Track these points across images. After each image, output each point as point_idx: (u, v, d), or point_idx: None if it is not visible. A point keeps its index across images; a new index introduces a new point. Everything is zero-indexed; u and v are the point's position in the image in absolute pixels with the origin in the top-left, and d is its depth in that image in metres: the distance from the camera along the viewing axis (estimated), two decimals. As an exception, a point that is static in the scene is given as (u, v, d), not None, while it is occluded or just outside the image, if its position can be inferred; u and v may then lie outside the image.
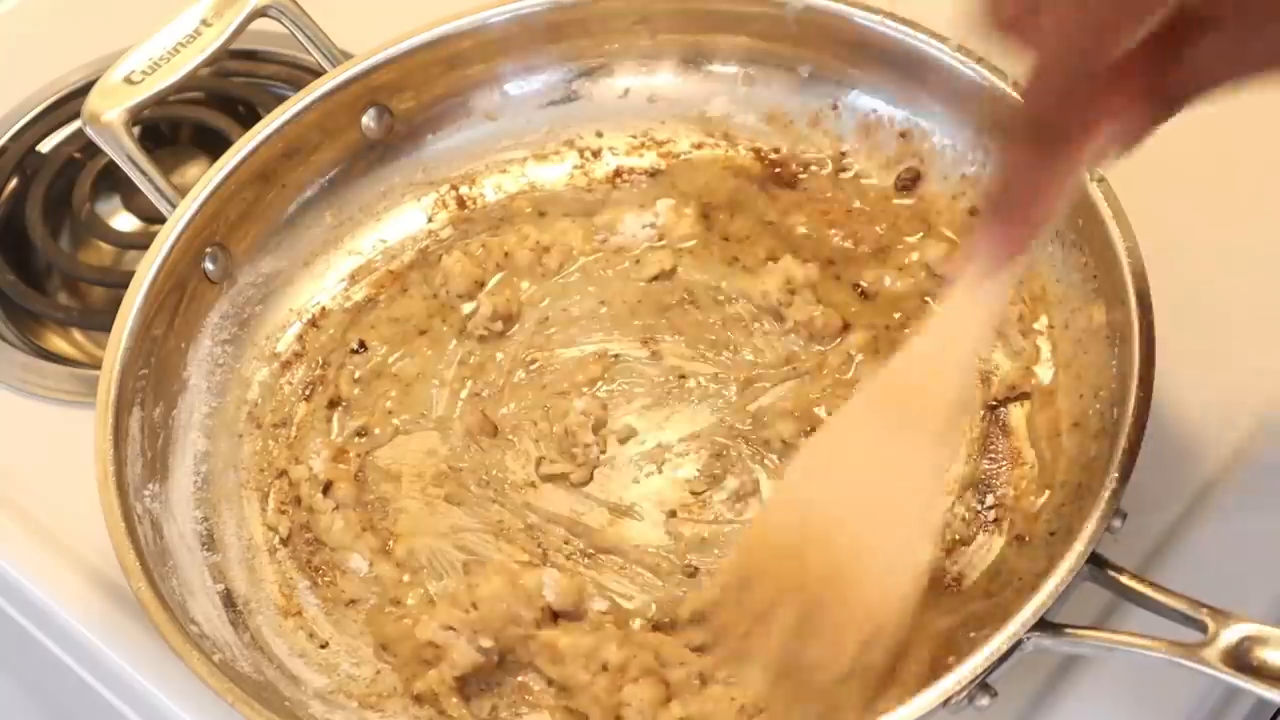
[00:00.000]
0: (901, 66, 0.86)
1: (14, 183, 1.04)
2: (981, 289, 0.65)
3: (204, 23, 0.86)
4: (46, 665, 0.84)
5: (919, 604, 0.68)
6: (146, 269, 0.80)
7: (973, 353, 0.68)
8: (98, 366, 0.78)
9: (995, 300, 0.66)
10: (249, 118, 1.01)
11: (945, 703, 0.63)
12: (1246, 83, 0.57)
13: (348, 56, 0.89)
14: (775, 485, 0.79)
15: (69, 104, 1.04)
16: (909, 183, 0.88)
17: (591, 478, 0.81)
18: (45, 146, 1.05)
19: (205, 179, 0.84)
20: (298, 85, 0.88)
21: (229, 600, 0.77)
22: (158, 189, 0.85)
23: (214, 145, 0.98)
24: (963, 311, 0.66)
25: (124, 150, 0.84)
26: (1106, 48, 0.55)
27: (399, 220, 0.92)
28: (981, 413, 0.80)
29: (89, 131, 0.84)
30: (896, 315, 0.84)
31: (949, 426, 0.68)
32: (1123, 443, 0.68)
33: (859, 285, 0.85)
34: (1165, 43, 0.56)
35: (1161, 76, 0.58)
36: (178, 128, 1.05)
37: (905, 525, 0.68)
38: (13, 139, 1.05)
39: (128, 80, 0.84)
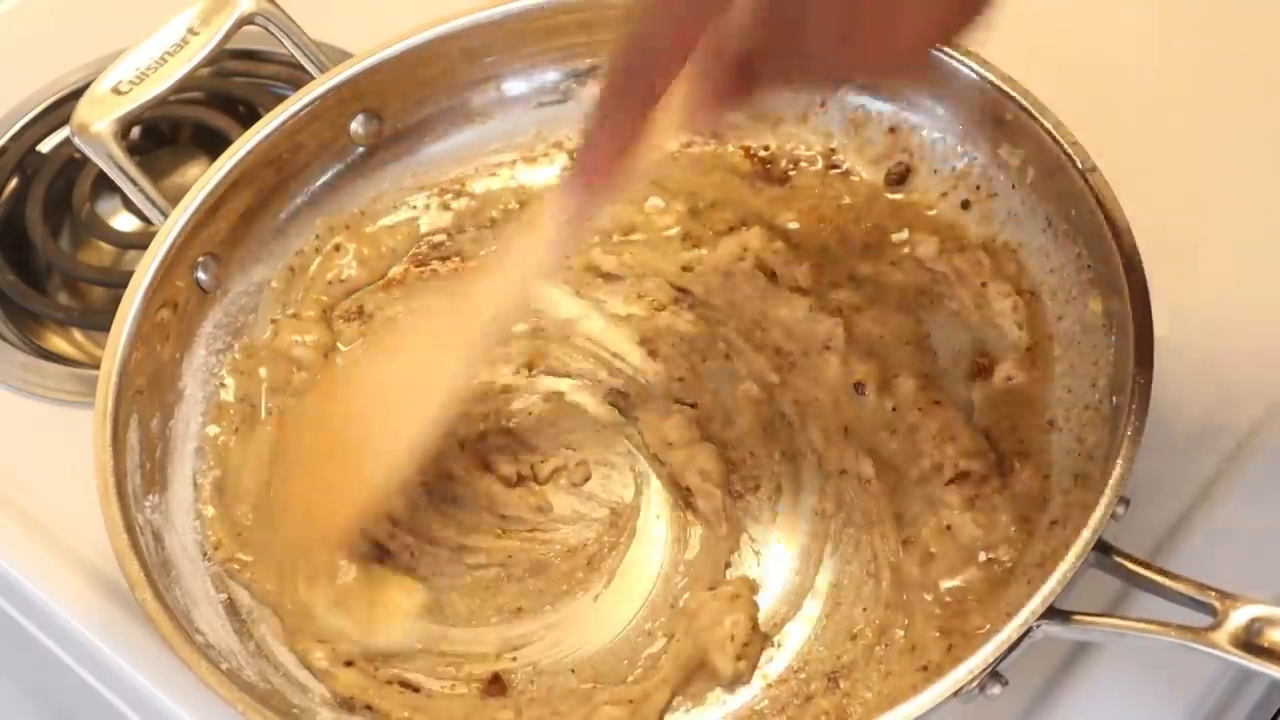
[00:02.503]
0: (890, 61, 0.86)
1: (14, 183, 1.04)
2: (555, 226, 0.71)
3: (191, 31, 0.86)
4: (46, 665, 0.84)
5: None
6: (139, 281, 0.80)
7: (524, 281, 0.74)
8: (97, 366, 0.77)
9: (561, 238, 0.72)
10: (249, 117, 1.01)
11: (957, 693, 0.64)
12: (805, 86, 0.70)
13: (339, 60, 0.88)
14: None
15: (69, 104, 1.02)
16: (899, 177, 0.88)
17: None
18: (45, 146, 1.05)
19: (195, 190, 0.83)
20: (297, 85, 0.88)
21: (232, 609, 0.77)
22: (148, 199, 0.84)
23: (214, 145, 0.98)
24: (532, 244, 0.73)
25: (113, 160, 0.83)
26: (686, 27, 0.61)
27: (390, 225, 0.91)
28: (981, 403, 0.80)
29: (78, 142, 0.84)
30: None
31: (476, 343, 0.76)
32: (1126, 429, 0.68)
33: (854, 277, 0.86)
34: (738, 41, 0.63)
35: (731, 67, 0.64)
36: (178, 128, 1.05)
37: (409, 421, 0.75)
38: (13, 139, 1.05)
39: (115, 90, 0.84)
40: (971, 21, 0.60)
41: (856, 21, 0.59)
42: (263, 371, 0.85)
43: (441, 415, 0.76)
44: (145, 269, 0.80)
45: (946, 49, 0.82)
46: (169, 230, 0.82)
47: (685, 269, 0.88)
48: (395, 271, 0.90)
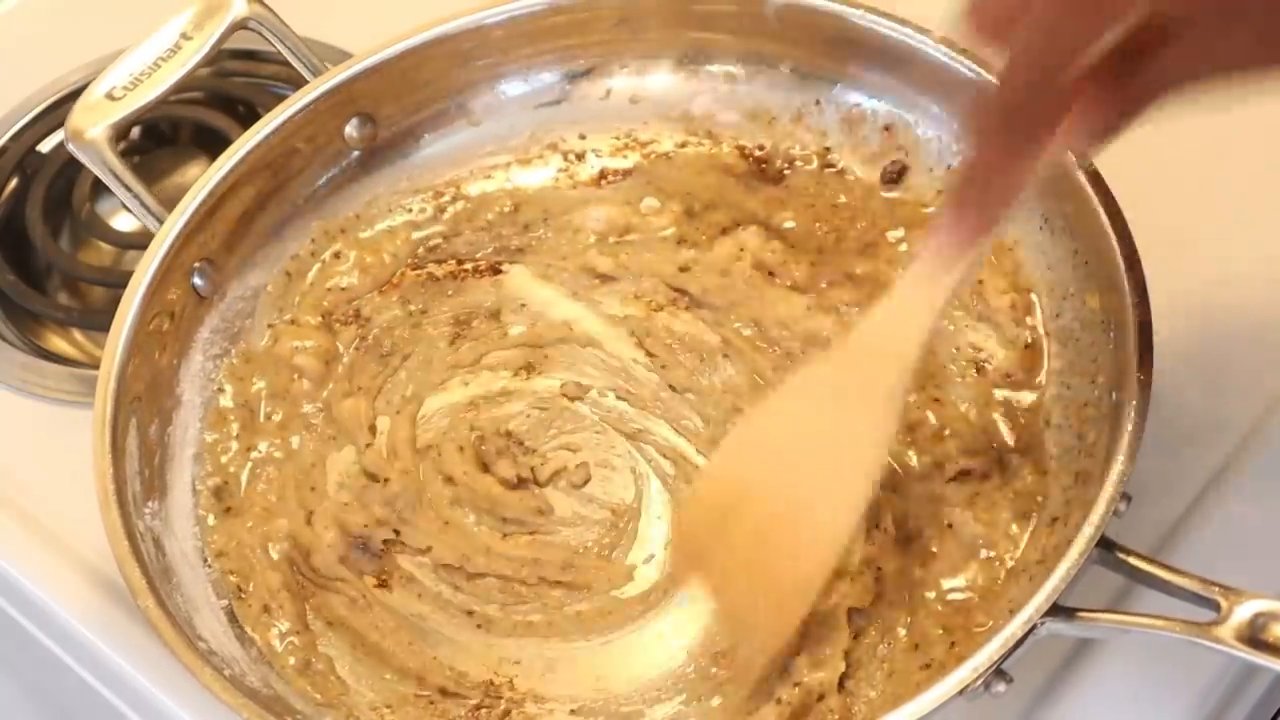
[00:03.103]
0: (884, 60, 0.86)
1: (14, 183, 1.04)
2: (938, 274, 0.66)
3: (184, 36, 0.85)
4: (46, 665, 0.84)
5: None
6: (136, 288, 0.80)
7: (921, 335, 0.68)
8: (97, 366, 0.77)
9: (949, 286, 0.67)
10: (249, 118, 1.01)
11: (962, 690, 0.64)
12: (1208, 87, 0.58)
13: (334, 62, 0.88)
14: (717, 450, 0.78)
15: (69, 104, 1.02)
16: (895, 176, 0.88)
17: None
18: (45, 146, 1.05)
19: (190, 195, 0.83)
20: (297, 85, 0.88)
21: (233, 616, 0.76)
22: (143, 204, 0.84)
23: (214, 145, 0.98)
24: (917, 294, 0.68)
25: (108, 167, 0.83)
26: (1078, 49, 0.56)
27: (385, 228, 0.91)
28: (981, 400, 0.80)
29: (72, 149, 0.83)
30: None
31: (888, 407, 0.69)
32: (1127, 425, 0.68)
33: (851, 276, 0.86)
34: (1133, 46, 0.57)
35: (1128, 78, 0.59)
36: (177, 128, 1.05)
37: (833, 499, 0.70)
38: (13, 139, 1.05)
39: (109, 96, 0.84)
40: None
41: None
42: (262, 378, 0.85)
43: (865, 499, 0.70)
44: (141, 275, 0.80)
45: (943, 46, 0.83)
46: (164, 236, 0.82)
47: (682, 269, 0.88)
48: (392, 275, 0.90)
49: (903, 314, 0.68)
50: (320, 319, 0.88)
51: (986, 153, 0.62)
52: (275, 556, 0.79)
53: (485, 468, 0.82)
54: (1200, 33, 0.56)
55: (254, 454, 0.83)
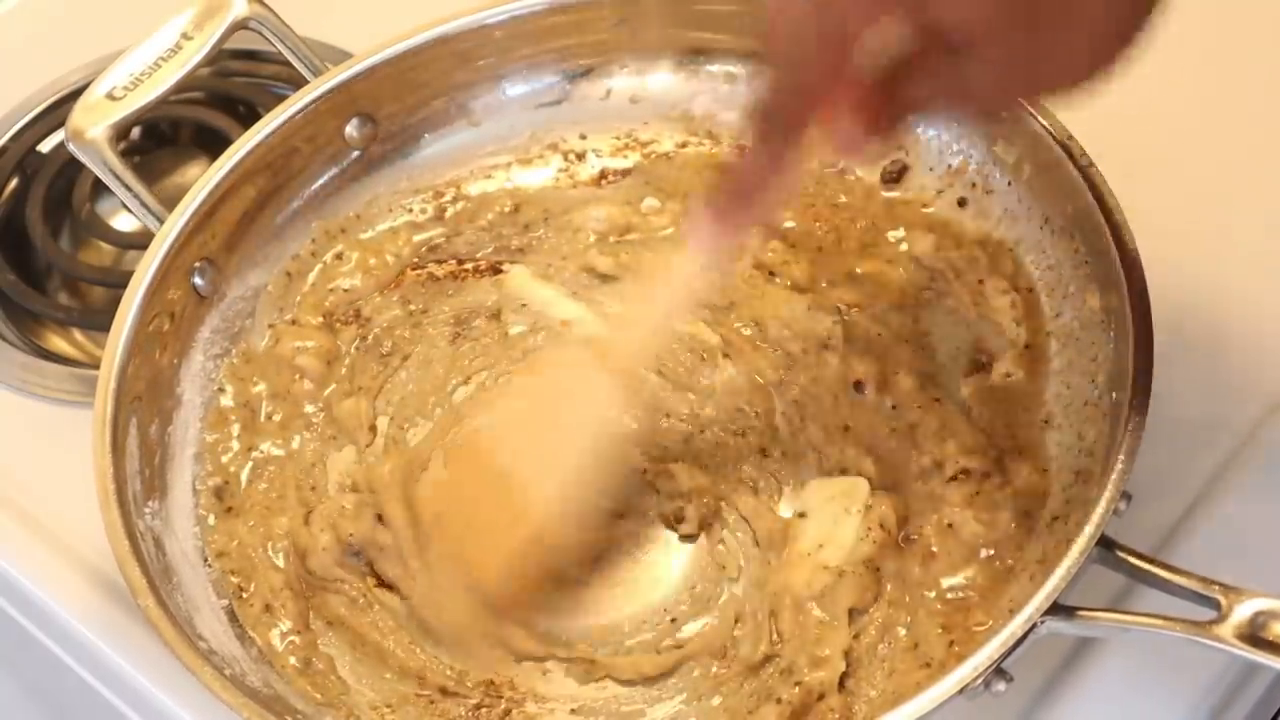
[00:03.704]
0: (885, 59, 0.86)
1: (14, 183, 1.04)
2: (693, 262, 0.70)
3: (185, 36, 0.86)
4: (46, 665, 0.84)
5: None
6: (136, 287, 0.80)
7: (668, 316, 0.73)
8: (97, 366, 0.77)
9: (702, 274, 0.70)
10: (249, 117, 1.01)
11: (962, 689, 0.64)
12: (960, 113, 0.65)
13: (334, 63, 0.88)
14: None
15: (69, 104, 1.02)
16: (895, 176, 0.88)
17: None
18: (45, 146, 1.05)
19: (190, 195, 0.83)
20: (298, 85, 0.88)
21: (234, 615, 0.76)
22: (143, 204, 0.84)
23: (214, 145, 0.98)
24: (673, 279, 0.72)
25: (108, 167, 0.83)
26: (834, 56, 0.59)
27: (386, 228, 0.91)
28: (981, 400, 0.80)
29: (72, 149, 0.83)
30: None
31: (625, 379, 0.74)
32: (1125, 423, 0.68)
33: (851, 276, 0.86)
34: (883, 73, 0.59)
35: (884, 94, 0.60)
36: (178, 128, 1.05)
37: (563, 461, 0.75)
38: (13, 139, 1.05)
39: (110, 96, 0.84)
40: (1144, 30, 0.58)
41: (1026, 39, 0.56)
42: (263, 379, 0.85)
43: (599, 452, 0.75)
44: (142, 275, 0.80)
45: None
46: (165, 236, 0.82)
47: (682, 269, 0.88)
48: (391, 275, 0.90)
49: (651, 301, 0.73)
50: (321, 319, 0.88)
51: (749, 154, 0.64)
52: (277, 557, 0.79)
53: None
54: (938, 67, 0.58)
55: (255, 454, 0.83)
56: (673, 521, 0.80)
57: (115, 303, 0.79)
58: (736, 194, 0.67)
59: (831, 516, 0.76)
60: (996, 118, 0.79)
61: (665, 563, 0.79)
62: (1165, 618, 0.64)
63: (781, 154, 0.63)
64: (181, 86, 0.85)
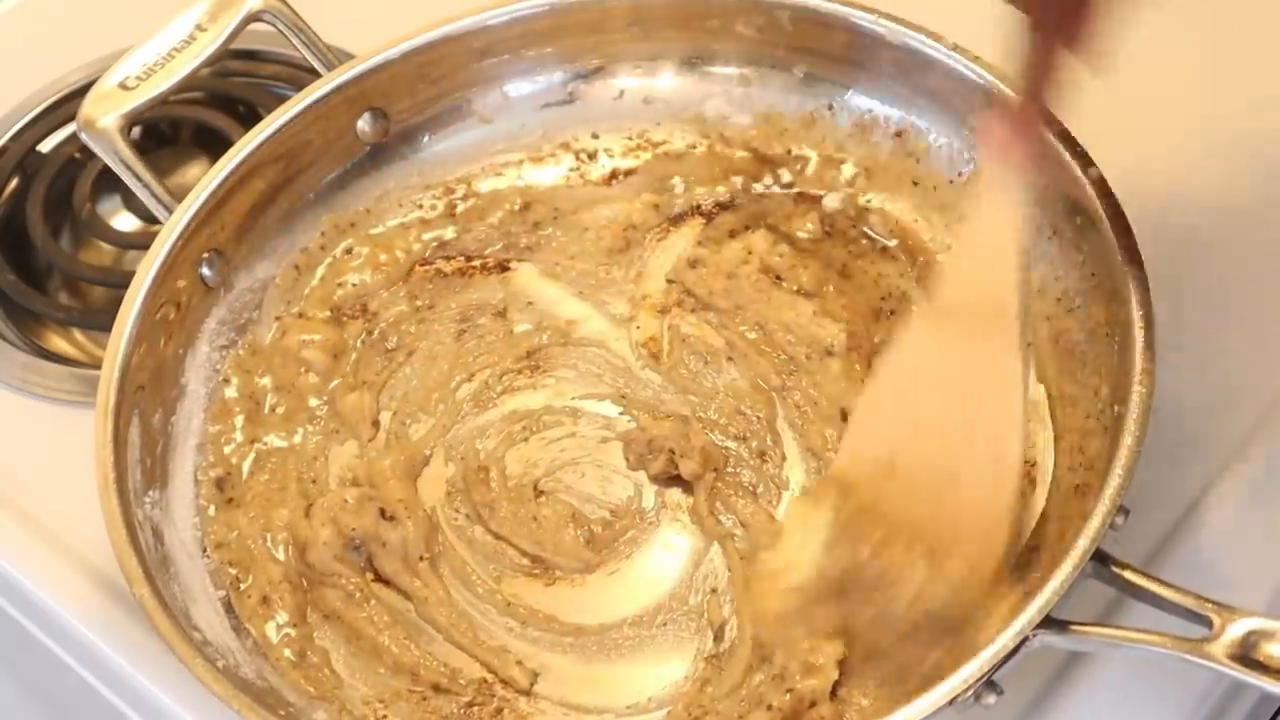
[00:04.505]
0: (897, 66, 0.86)
1: (14, 183, 1.04)
2: (1004, 187, 0.68)
3: (199, 27, 0.86)
4: (46, 665, 0.84)
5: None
6: (144, 276, 0.80)
7: (1011, 252, 0.69)
8: (98, 366, 0.78)
9: (1022, 196, 0.68)
10: (249, 118, 1.01)
11: (951, 701, 0.63)
12: None
13: (345, 59, 0.88)
14: (849, 424, 0.77)
15: (69, 104, 1.04)
16: (905, 181, 0.88)
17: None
18: (45, 146, 1.05)
19: (200, 186, 0.83)
20: (298, 85, 0.88)
21: (230, 606, 0.77)
22: (153, 194, 0.84)
23: (214, 145, 0.98)
24: (992, 215, 0.69)
25: (119, 156, 0.83)
26: None
27: (395, 223, 0.91)
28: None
29: (84, 137, 0.84)
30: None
31: (1010, 329, 0.69)
32: (1126, 439, 0.68)
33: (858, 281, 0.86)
34: None
35: None
36: (178, 127, 1.05)
37: (993, 436, 0.70)
38: (13, 139, 1.05)
39: (122, 86, 0.84)
40: None
41: None
42: (268, 371, 0.86)
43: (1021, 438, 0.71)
44: (150, 264, 0.80)
45: (955, 53, 0.82)
46: (174, 226, 0.82)
47: (690, 271, 0.88)
48: (399, 269, 0.90)
49: (986, 243, 0.69)
50: (329, 313, 0.88)
51: (1030, 51, 0.65)
52: (277, 549, 0.79)
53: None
54: None
55: (257, 446, 0.83)
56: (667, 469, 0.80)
57: (115, 303, 0.79)
58: (1036, 83, 0.67)
59: (800, 541, 0.73)
60: None
61: (660, 565, 0.79)
62: (1157, 634, 0.64)
63: (1057, 44, 0.64)
64: (190, 81, 0.85)
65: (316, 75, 0.88)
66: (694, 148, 0.92)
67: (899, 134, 0.88)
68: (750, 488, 0.80)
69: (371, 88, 0.89)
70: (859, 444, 0.74)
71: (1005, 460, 0.70)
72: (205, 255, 0.84)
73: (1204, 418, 0.81)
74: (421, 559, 0.79)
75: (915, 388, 0.72)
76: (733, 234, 0.88)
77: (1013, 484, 0.70)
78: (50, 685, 0.87)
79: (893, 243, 0.87)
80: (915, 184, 0.88)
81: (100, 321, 0.90)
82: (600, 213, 0.91)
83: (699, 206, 0.90)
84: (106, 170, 0.94)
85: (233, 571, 0.78)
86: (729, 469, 0.81)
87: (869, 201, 0.89)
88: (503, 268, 0.90)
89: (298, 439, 0.84)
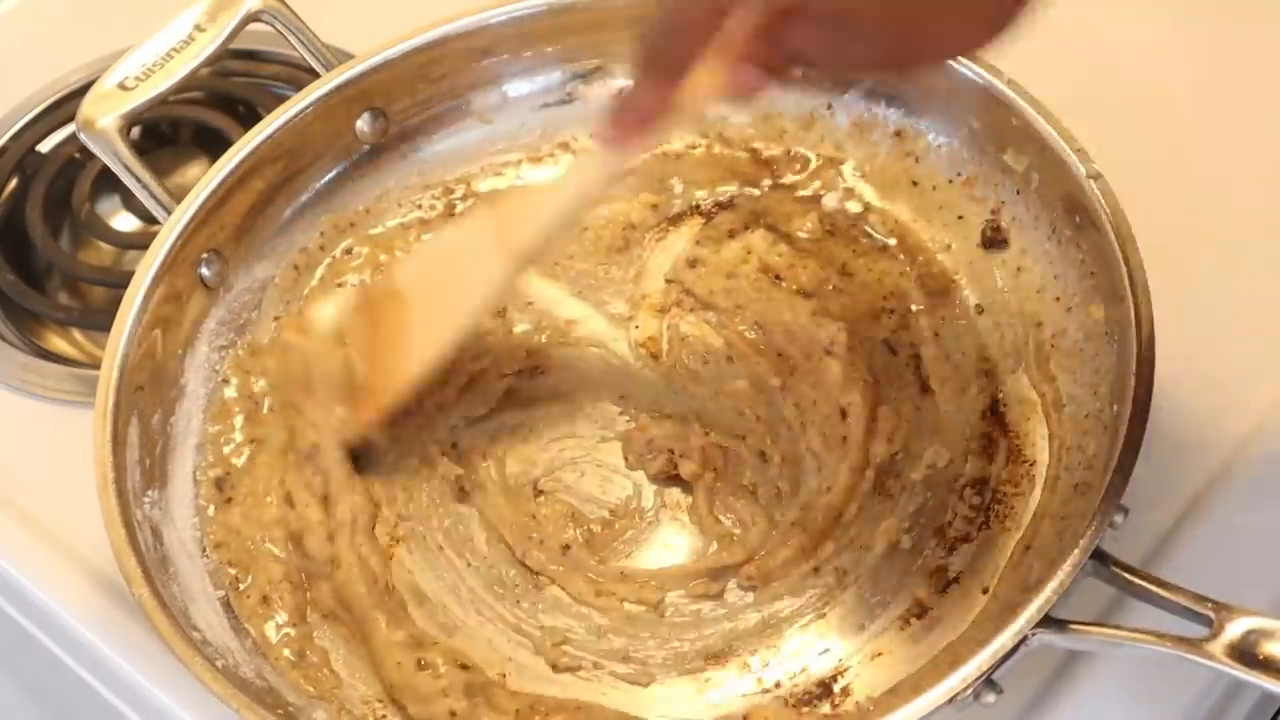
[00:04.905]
0: (896, 66, 0.86)
1: (14, 183, 1.04)
2: (593, 163, 0.74)
3: (197, 28, 0.86)
4: (46, 665, 0.84)
5: None
6: (143, 276, 0.80)
7: (568, 207, 0.76)
8: (98, 366, 0.78)
9: (601, 172, 0.74)
10: (249, 118, 1.01)
11: (951, 700, 0.64)
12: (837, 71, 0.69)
13: (343, 59, 0.88)
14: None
15: (69, 104, 1.04)
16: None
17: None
18: (45, 146, 1.05)
19: (200, 186, 0.84)
20: (298, 85, 0.88)
21: (229, 606, 0.77)
22: (152, 195, 0.84)
23: (214, 145, 0.98)
24: (574, 174, 0.77)
25: (118, 156, 0.84)
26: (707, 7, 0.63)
27: (395, 223, 0.91)
28: (981, 411, 0.80)
29: (83, 138, 0.84)
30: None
31: (520, 253, 0.77)
32: (1124, 438, 0.68)
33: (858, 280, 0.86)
34: (769, 21, 0.62)
35: (766, 45, 0.63)
36: (178, 127, 1.05)
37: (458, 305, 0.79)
38: (13, 139, 1.05)
39: (121, 86, 0.84)
40: (1016, 20, 0.59)
41: (909, 10, 0.59)
42: (267, 370, 0.85)
43: (476, 315, 0.80)
44: (149, 264, 0.81)
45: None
46: (173, 226, 0.82)
47: (689, 270, 0.88)
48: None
49: (553, 193, 0.77)
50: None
51: (638, 82, 0.68)
52: (277, 547, 0.79)
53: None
54: (817, 28, 0.61)
55: (257, 445, 0.83)
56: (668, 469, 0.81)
57: (115, 303, 0.80)
58: (627, 119, 0.70)
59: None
60: (882, 78, 0.85)
61: (660, 565, 0.79)
62: (1156, 634, 0.64)
63: (668, 84, 0.66)
64: (189, 81, 0.85)
65: (316, 75, 0.89)
66: (693, 148, 0.92)
67: (898, 134, 0.88)
68: (750, 488, 0.80)
69: (371, 87, 0.89)
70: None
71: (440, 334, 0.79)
72: (204, 255, 0.84)
73: (1204, 418, 0.81)
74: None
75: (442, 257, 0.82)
76: (732, 234, 0.88)
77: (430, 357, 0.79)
78: (50, 685, 0.87)
79: (892, 242, 0.87)
80: (914, 184, 0.88)
81: (100, 321, 0.90)
82: (599, 212, 0.91)
83: (698, 206, 0.90)
84: (106, 170, 0.94)
85: (232, 571, 0.78)
86: (729, 469, 0.81)
87: (868, 201, 0.89)
88: (501, 267, 0.90)
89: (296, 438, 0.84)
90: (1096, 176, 0.76)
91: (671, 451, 0.81)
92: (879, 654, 0.74)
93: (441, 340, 0.79)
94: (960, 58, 0.82)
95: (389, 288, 0.82)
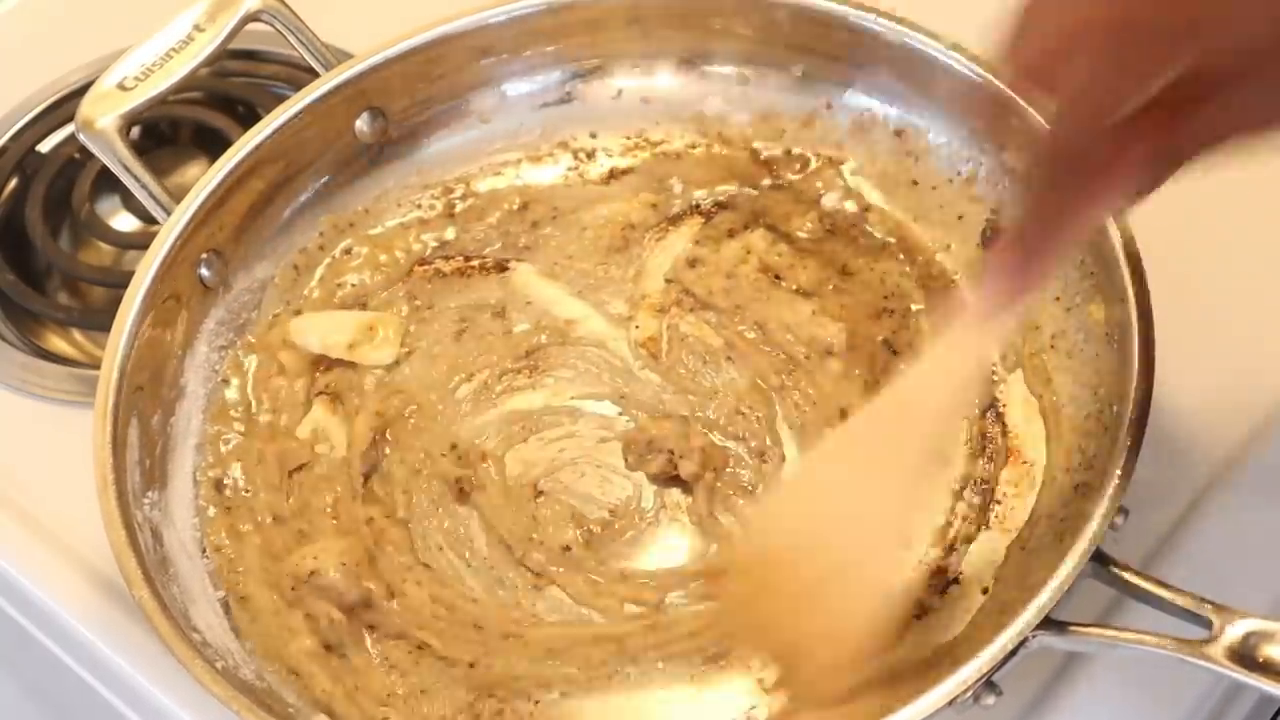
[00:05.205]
0: (896, 65, 0.86)
1: (14, 183, 1.04)
2: (982, 328, 0.66)
3: (197, 28, 0.86)
4: (46, 665, 0.84)
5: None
6: (143, 276, 0.80)
7: (966, 389, 0.71)
8: (97, 366, 0.78)
9: (993, 339, 0.69)
10: (248, 118, 1.01)
11: (951, 702, 0.64)
12: (1250, 141, 0.58)
13: (343, 59, 0.88)
14: (773, 490, 0.80)
15: (69, 104, 1.03)
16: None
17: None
18: (45, 146, 1.05)
19: (199, 186, 0.83)
20: (297, 85, 0.88)
21: (228, 607, 0.76)
22: (152, 195, 0.84)
23: (214, 145, 0.98)
24: (962, 348, 0.67)
25: (118, 157, 0.83)
26: (1123, 99, 0.56)
27: (394, 223, 0.91)
28: (981, 412, 0.80)
29: (82, 138, 0.84)
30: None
31: (937, 459, 0.71)
32: (1124, 439, 0.68)
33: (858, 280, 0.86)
34: (1177, 98, 0.56)
35: (1172, 130, 0.57)
36: (177, 127, 1.05)
37: (885, 550, 0.70)
38: (13, 139, 1.05)
39: (120, 86, 0.84)
40: None
41: None
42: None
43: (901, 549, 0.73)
44: (148, 265, 0.80)
45: (954, 52, 0.82)
46: (173, 226, 0.82)
47: (688, 270, 0.88)
48: (398, 269, 0.90)
49: (945, 370, 0.68)
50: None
51: (1039, 207, 0.61)
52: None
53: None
54: (1244, 89, 0.56)
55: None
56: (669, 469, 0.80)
57: (115, 303, 0.79)
58: (1024, 255, 0.63)
59: None
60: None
61: (660, 565, 0.79)
62: (1156, 635, 0.64)
63: (1075, 205, 0.60)
64: (188, 82, 0.85)
65: (315, 75, 0.88)
66: (693, 147, 0.92)
67: (898, 133, 0.88)
68: (750, 488, 0.80)
69: (370, 87, 0.89)
70: (769, 521, 0.75)
71: (880, 581, 0.70)
72: (204, 255, 0.84)
73: (1204, 418, 0.82)
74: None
75: (838, 481, 0.71)
76: (731, 233, 0.88)
77: (882, 615, 0.70)
78: (50, 685, 0.87)
79: (892, 242, 0.87)
80: (915, 183, 0.88)
81: (99, 321, 0.90)
82: (599, 212, 0.91)
83: (698, 206, 0.90)
84: (106, 170, 0.94)
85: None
86: (728, 469, 0.81)
87: (868, 201, 0.88)
88: (501, 267, 0.90)
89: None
90: (1096, 176, 0.76)
91: (671, 451, 0.80)
92: (879, 655, 0.74)
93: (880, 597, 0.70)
94: (955, 55, 0.82)
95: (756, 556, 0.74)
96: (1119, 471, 0.67)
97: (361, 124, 0.90)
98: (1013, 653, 0.64)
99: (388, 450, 0.83)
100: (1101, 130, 0.57)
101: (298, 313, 0.87)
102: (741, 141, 0.92)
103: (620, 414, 0.84)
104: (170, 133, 1.05)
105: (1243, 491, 0.80)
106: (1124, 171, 0.59)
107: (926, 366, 0.69)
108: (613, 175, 0.92)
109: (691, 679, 0.75)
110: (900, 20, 0.85)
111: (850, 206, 0.88)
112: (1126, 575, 0.66)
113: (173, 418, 0.81)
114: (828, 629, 0.68)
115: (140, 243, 0.97)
